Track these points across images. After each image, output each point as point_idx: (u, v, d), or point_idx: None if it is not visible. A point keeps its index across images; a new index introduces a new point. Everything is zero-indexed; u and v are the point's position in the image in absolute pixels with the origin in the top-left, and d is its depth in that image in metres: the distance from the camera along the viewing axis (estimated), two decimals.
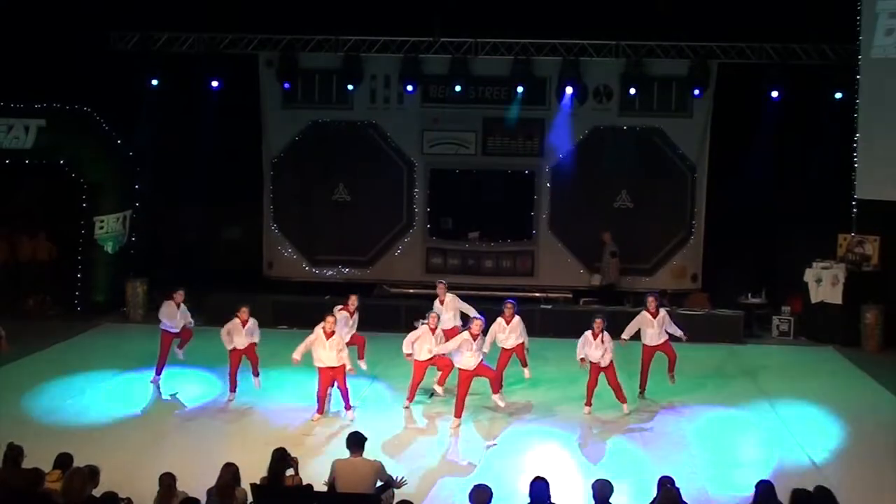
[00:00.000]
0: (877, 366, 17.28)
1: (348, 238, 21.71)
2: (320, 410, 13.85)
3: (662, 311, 15.15)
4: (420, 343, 14.25)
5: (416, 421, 14.06)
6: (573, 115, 21.02)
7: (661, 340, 15.05)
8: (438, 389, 14.47)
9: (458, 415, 13.73)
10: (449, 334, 14.70)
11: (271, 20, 20.53)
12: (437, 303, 15.65)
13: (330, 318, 13.91)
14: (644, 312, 15.07)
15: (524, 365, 15.20)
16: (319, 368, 13.74)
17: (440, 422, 13.93)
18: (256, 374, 14.85)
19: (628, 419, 14.13)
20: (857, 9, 18.92)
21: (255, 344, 14.71)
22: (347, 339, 14.62)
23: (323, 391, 13.85)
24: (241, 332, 14.55)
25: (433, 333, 14.26)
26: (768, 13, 19.19)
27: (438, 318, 14.73)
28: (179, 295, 15.42)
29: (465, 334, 13.80)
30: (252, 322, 14.69)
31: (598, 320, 14.27)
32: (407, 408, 14.41)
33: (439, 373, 14.42)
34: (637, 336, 15.11)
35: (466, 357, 13.67)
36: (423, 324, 14.65)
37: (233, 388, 14.65)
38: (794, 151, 20.20)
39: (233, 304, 14.99)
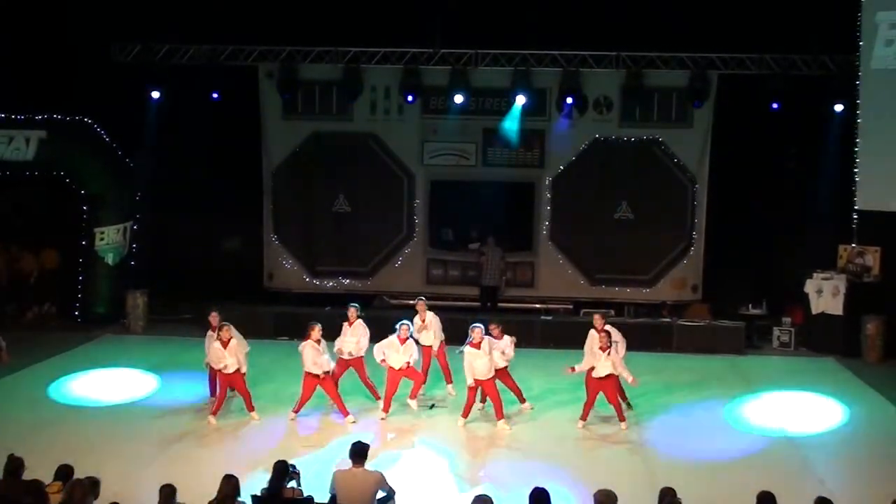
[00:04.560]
0: (878, 377, 17.25)
1: (349, 249, 21.70)
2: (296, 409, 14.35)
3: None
4: (389, 351, 14.38)
5: (417, 432, 14.04)
6: (573, 125, 21.05)
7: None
8: (412, 403, 14.58)
9: (465, 414, 14.09)
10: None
11: (271, 32, 20.54)
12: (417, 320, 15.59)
13: (315, 327, 14.18)
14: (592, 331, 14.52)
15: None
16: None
17: (441, 432, 13.93)
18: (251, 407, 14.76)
19: (629, 430, 14.09)
20: (857, 20, 18.96)
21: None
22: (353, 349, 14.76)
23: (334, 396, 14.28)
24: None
25: (402, 343, 14.35)
26: (768, 24, 19.22)
27: (409, 327, 14.69)
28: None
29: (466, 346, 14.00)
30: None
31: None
32: (383, 419, 14.39)
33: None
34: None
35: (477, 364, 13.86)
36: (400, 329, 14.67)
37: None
38: (794, 162, 20.20)
39: (234, 315, 14.96)
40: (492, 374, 14.04)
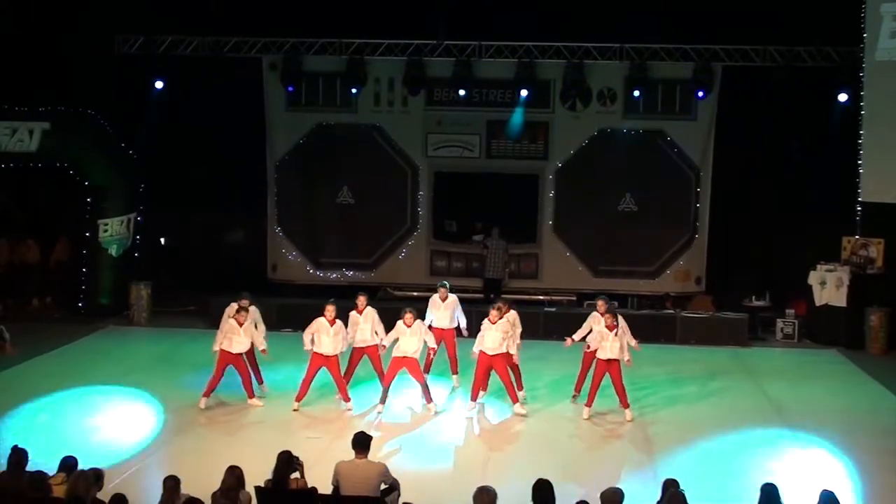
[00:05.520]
0: (881, 368, 17.25)
1: (352, 241, 21.71)
2: (299, 398, 14.32)
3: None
4: (400, 338, 14.27)
5: (420, 422, 14.05)
6: (577, 117, 21.02)
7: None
8: (431, 407, 14.42)
9: (473, 398, 14.20)
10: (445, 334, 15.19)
11: (275, 23, 20.54)
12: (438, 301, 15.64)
13: (330, 307, 14.21)
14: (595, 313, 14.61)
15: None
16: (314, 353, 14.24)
17: (442, 424, 13.95)
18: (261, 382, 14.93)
19: (633, 421, 14.07)
20: (862, 11, 18.92)
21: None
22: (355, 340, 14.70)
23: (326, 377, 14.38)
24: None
25: (409, 326, 14.21)
26: (772, 15, 19.19)
27: (415, 314, 14.49)
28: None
29: (486, 321, 14.16)
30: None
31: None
32: (379, 412, 14.34)
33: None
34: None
35: (489, 339, 14.01)
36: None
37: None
38: (798, 154, 20.18)
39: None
40: (502, 350, 14.03)
